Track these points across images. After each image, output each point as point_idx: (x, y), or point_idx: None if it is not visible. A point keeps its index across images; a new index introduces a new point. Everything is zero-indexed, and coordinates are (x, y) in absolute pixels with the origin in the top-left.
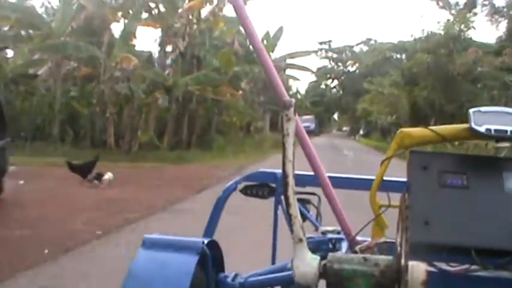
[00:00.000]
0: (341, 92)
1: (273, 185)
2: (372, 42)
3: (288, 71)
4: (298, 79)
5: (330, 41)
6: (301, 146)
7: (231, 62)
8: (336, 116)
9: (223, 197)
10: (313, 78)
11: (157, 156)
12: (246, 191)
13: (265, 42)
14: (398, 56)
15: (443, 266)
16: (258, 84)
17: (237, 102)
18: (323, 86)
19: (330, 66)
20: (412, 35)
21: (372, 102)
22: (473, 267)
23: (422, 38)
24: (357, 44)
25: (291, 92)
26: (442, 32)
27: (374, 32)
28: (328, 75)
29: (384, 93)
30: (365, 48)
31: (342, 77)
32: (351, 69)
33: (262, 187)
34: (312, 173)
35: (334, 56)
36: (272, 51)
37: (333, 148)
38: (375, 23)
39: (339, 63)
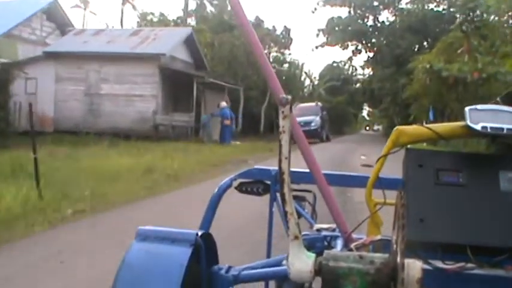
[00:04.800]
0: (370, 71)
1: (268, 182)
2: None
3: None
4: None
5: None
6: (296, 142)
7: None
8: (365, 112)
9: (219, 193)
10: (321, 39)
11: None
12: (241, 188)
13: None
14: None
15: (439, 263)
16: None
17: None
18: (344, 65)
19: (349, 16)
20: None
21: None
22: (469, 265)
23: None
24: None
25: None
26: None
27: None
28: (346, 32)
29: None
30: None
31: (371, 37)
32: (387, 20)
33: (258, 184)
34: (307, 170)
35: (357, 1)
36: None
37: None
38: None
39: (367, 13)
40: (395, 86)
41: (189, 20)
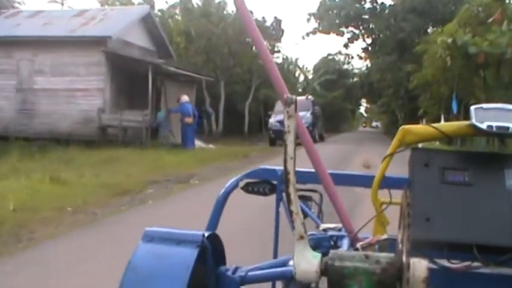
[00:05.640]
0: (368, 63)
1: (274, 182)
2: None
3: None
4: None
5: None
6: (301, 142)
7: None
8: (363, 108)
9: (225, 194)
10: (312, 25)
11: None
12: (247, 188)
13: None
14: None
15: (445, 262)
16: None
17: None
18: (339, 57)
19: None
20: None
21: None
22: (475, 264)
23: None
24: None
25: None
26: None
27: None
28: (340, 16)
29: None
30: None
31: (369, 21)
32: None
33: (264, 184)
34: (313, 170)
35: None
36: None
37: None
38: None
39: None
40: (398, 76)
41: (172, 12)
